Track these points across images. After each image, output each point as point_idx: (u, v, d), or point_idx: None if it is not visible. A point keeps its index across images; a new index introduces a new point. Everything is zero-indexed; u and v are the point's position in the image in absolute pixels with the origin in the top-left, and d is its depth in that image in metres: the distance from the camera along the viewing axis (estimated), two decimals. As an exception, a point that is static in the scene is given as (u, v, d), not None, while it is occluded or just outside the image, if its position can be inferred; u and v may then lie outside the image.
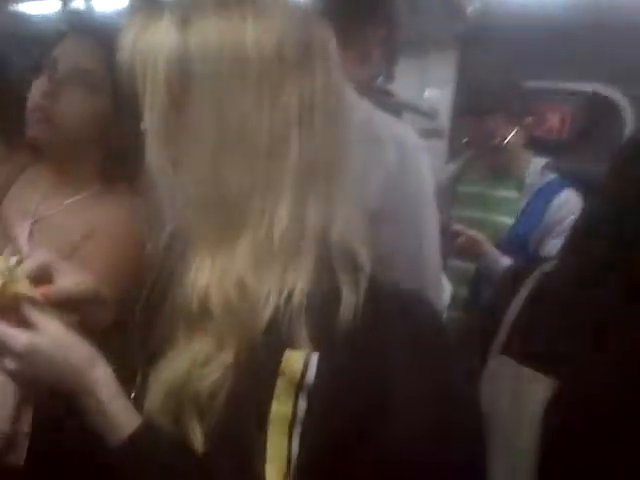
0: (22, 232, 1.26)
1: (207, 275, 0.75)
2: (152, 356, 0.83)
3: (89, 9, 2.71)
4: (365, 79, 1.56)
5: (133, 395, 0.85)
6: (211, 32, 0.73)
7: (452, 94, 2.65)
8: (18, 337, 0.79)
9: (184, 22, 0.73)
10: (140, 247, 1.19)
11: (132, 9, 2.77)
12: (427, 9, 2.31)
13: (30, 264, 0.85)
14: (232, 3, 0.74)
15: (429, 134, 2.56)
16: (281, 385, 0.71)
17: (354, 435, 0.72)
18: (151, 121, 0.76)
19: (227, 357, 0.75)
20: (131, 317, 0.93)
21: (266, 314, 0.73)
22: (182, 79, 0.73)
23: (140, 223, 1.23)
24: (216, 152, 0.73)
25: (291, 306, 0.73)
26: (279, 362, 0.71)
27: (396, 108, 2.31)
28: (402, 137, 1.46)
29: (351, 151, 0.82)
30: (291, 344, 0.71)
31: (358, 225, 0.80)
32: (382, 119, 1.46)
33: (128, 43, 0.75)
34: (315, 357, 0.71)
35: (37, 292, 0.83)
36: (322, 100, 0.75)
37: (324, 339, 0.71)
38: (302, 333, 0.71)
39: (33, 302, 0.82)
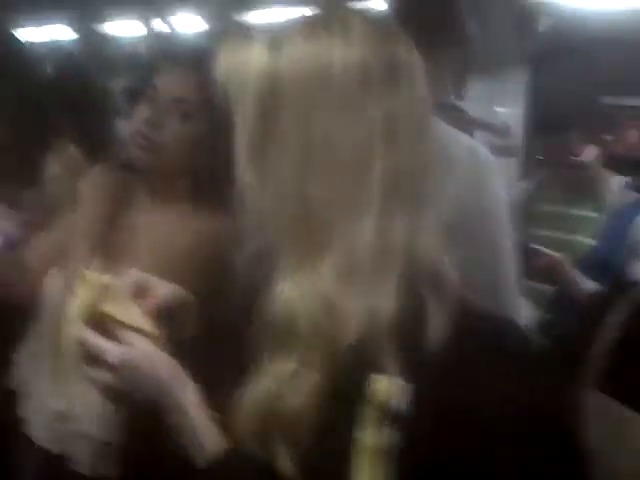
0: (113, 243, 1.34)
1: (292, 292, 0.76)
2: (240, 375, 0.84)
3: (175, 34, 2.83)
4: (436, 97, 1.57)
5: (220, 415, 0.86)
6: (299, 53, 0.76)
7: (524, 111, 2.61)
8: (114, 350, 0.83)
9: (274, 45, 0.77)
10: (227, 264, 1.23)
11: (213, 33, 2.89)
12: (499, 27, 2.29)
13: (126, 281, 0.91)
14: (319, 25, 0.77)
15: (501, 151, 2.53)
16: (368, 412, 0.71)
17: (448, 462, 0.71)
18: (241, 138, 0.79)
19: (313, 377, 0.75)
20: (216, 333, 0.96)
21: (353, 332, 0.73)
22: (271, 98, 0.76)
23: (228, 240, 1.28)
24: (301, 168, 0.75)
25: (377, 326, 0.72)
26: (365, 387, 0.71)
27: (467, 125, 2.30)
28: (474, 155, 1.46)
29: (436, 166, 0.82)
30: (377, 366, 0.71)
31: (443, 241, 0.79)
32: (455, 136, 1.46)
33: (222, 66, 0.79)
34: (402, 384, 0.70)
35: (128, 311, 0.87)
36: (406, 116, 0.76)
37: (410, 365, 0.71)
38: (388, 353, 0.71)
39: (122, 325, 0.86)
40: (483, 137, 2.52)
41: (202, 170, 1.34)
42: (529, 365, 0.79)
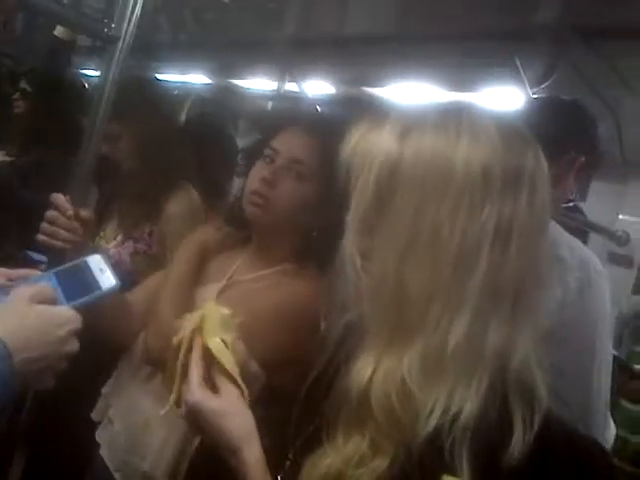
0: (210, 293, 1.38)
1: (370, 372, 0.76)
2: (307, 442, 0.85)
3: (302, 97, 2.95)
4: (556, 199, 1.56)
5: (281, 477, 0.87)
6: (426, 145, 0.78)
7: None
8: (193, 392, 0.87)
9: (404, 132, 0.79)
10: (315, 329, 1.24)
11: (339, 101, 3.00)
12: (632, 134, 2.25)
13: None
14: (451, 122, 0.78)
15: (617, 260, 2.45)
16: None
17: None
18: (355, 213, 0.82)
19: (381, 463, 0.74)
20: (291, 396, 0.96)
21: (428, 428, 0.72)
22: (390, 183, 0.78)
23: (319, 306, 1.29)
24: (404, 254, 0.76)
25: (456, 427, 0.71)
26: (434, 478, 0.70)
27: (584, 228, 2.25)
28: (586, 261, 1.43)
29: (545, 279, 0.81)
30: (449, 468, 0.70)
31: (540, 356, 0.77)
32: (568, 240, 1.45)
33: (351, 143, 0.83)
34: None
35: (229, 357, 0.90)
36: (522, 225, 0.76)
37: (485, 472, 0.69)
38: (462, 460, 0.69)
39: (222, 369, 0.89)
40: (600, 242, 2.45)
41: (309, 232, 1.37)
42: None
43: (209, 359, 0.89)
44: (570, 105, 1.66)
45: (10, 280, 0.90)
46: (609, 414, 1.52)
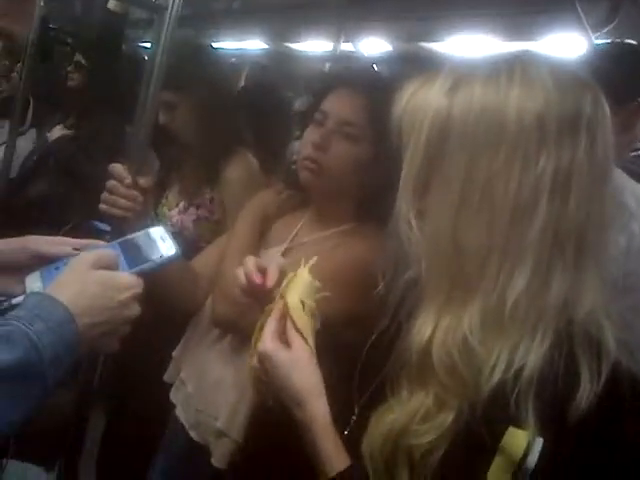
0: (275, 254, 1.41)
1: (431, 330, 0.76)
2: (372, 398, 0.86)
3: (358, 56, 2.91)
4: (623, 146, 1.50)
5: (347, 431, 0.89)
6: (475, 97, 0.76)
7: None
8: (265, 342, 0.89)
9: (453, 87, 0.78)
10: (375, 288, 1.25)
11: (394, 58, 2.95)
12: None
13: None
14: (502, 72, 0.76)
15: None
16: (499, 462, 0.70)
17: None
18: (407, 172, 0.81)
19: (446, 418, 0.74)
20: (354, 354, 0.98)
21: (491, 383, 0.72)
22: (441, 139, 0.77)
23: (379, 265, 1.29)
24: (459, 209, 0.75)
25: (520, 381, 0.71)
26: (499, 437, 0.70)
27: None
28: None
29: (609, 224, 0.79)
30: (515, 421, 0.69)
31: (606, 305, 0.75)
32: (633, 187, 1.41)
33: (402, 101, 0.82)
34: (540, 441, 0.68)
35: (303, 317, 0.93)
36: (581, 174, 0.74)
37: (552, 423, 0.69)
38: (529, 412, 0.69)
39: (294, 326, 0.92)
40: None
41: (364, 192, 1.36)
42: None
43: (286, 315, 0.93)
44: (635, 49, 1.57)
45: (77, 250, 0.93)
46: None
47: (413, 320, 0.80)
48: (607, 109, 0.77)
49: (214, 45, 3.26)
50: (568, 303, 0.74)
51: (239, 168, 1.89)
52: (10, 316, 0.75)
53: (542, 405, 0.69)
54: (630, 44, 1.60)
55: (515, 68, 0.77)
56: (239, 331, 1.35)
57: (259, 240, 1.45)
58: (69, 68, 2.77)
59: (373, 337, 0.95)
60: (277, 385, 0.88)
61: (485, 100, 0.75)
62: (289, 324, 0.91)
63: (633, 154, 1.74)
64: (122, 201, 1.36)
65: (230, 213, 1.83)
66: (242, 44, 4.20)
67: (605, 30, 1.71)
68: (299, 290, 0.95)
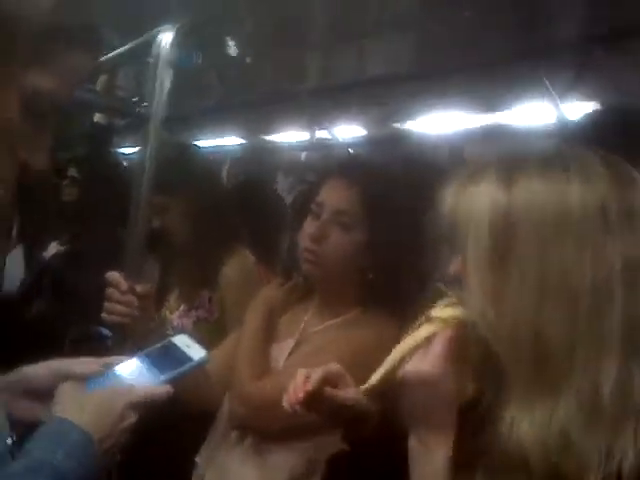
0: (285, 349, 1.42)
1: (525, 424, 0.74)
2: None
3: (336, 144, 3.00)
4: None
5: None
6: (536, 191, 0.77)
7: None
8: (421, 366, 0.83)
9: (509, 181, 0.78)
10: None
11: (373, 142, 3.04)
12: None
13: (330, 368, 0.99)
14: (556, 164, 0.78)
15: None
16: None
17: None
18: (475, 272, 0.79)
19: None
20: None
21: (591, 474, 0.70)
22: (506, 233, 0.77)
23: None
24: (537, 302, 0.75)
25: (620, 475, 0.69)
26: None
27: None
28: None
29: None
30: None
31: None
32: None
33: (451, 198, 0.82)
34: None
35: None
36: None
37: None
38: None
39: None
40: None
41: (367, 277, 1.38)
42: None
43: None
44: (624, 114, 1.60)
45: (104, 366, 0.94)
46: None
47: (498, 415, 0.77)
48: None
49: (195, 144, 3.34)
50: None
51: (237, 267, 1.90)
52: (29, 446, 0.76)
53: None
54: (619, 108, 1.63)
55: (569, 160, 0.78)
56: (257, 430, 1.35)
57: (269, 336, 1.46)
58: (65, 182, 2.81)
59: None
60: (424, 407, 0.83)
61: (546, 191, 0.76)
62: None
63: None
64: (119, 307, 1.36)
65: (230, 312, 1.84)
66: (219, 141, 4.30)
67: (570, 96, 1.79)
68: None
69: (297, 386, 0.99)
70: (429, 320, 0.85)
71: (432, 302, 0.86)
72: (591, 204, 0.74)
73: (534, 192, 0.77)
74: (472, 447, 0.80)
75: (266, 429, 1.34)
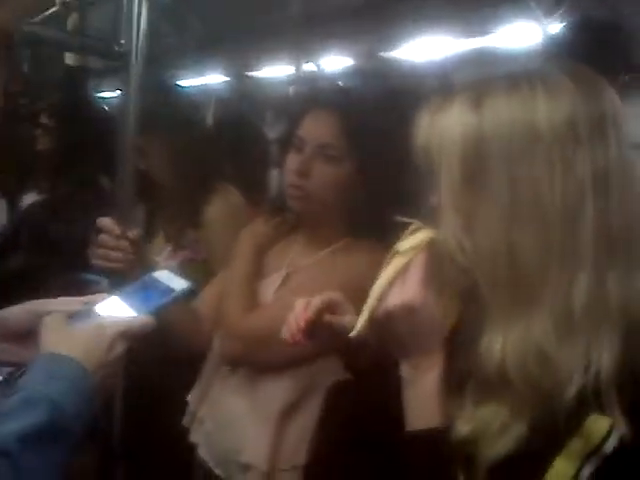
0: (272, 284, 1.42)
1: (500, 345, 0.76)
2: None
3: (322, 75, 2.94)
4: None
5: None
6: (503, 111, 0.77)
7: None
8: (418, 292, 0.83)
9: (476, 103, 0.79)
10: None
11: (359, 72, 2.98)
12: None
13: (328, 295, 0.99)
14: (523, 83, 0.78)
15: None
16: (575, 445, 0.71)
17: None
18: (447, 195, 0.81)
19: (522, 428, 0.75)
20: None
21: (571, 390, 0.72)
22: (477, 155, 0.78)
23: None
24: (510, 222, 0.76)
25: (599, 382, 0.71)
26: (579, 425, 0.71)
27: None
28: None
29: None
30: (595, 409, 0.71)
31: None
32: None
33: (424, 125, 0.82)
34: (622, 426, 0.69)
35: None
36: (616, 168, 0.75)
37: (633, 409, 0.70)
38: (613, 407, 0.70)
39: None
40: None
41: (354, 209, 1.38)
42: None
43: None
44: (599, 24, 1.59)
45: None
46: None
47: (477, 337, 0.79)
48: (621, 105, 0.79)
49: (177, 84, 3.27)
50: (627, 301, 0.75)
51: (221, 206, 1.89)
52: (23, 381, 0.77)
53: (625, 405, 0.70)
54: (596, 19, 1.62)
55: (534, 77, 0.78)
56: (248, 365, 1.37)
57: (257, 271, 1.46)
58: (37, 132, 2.74)
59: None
60: (412, 332, 0.83)
61: (513, 110, 0.76)
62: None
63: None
64: (113, 254, 1.36)
65: (216, 252, 1.83)
66: (203, 79, 4.22)
67: (555, 15, 1.75)
68: None
69: (297, 315, 0.99)
70: (398, 253, 0.85)
71: (399, 236, 0.86)
72: (558, 119, 0.75)
73: (501, 112, 0.77)
74: (459, 368, 0.81)
75: (259, 363, 1.36)
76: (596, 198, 0.74)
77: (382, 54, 2.80)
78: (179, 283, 0.97)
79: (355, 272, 1.28)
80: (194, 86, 4.18)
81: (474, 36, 2.30)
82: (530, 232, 0.75)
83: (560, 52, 1.44)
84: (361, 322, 0.85)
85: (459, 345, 0.83)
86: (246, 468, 1.34)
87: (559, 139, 0.74)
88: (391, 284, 0.83)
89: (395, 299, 0.82)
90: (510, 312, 0.77)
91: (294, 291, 1.31)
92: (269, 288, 1.42)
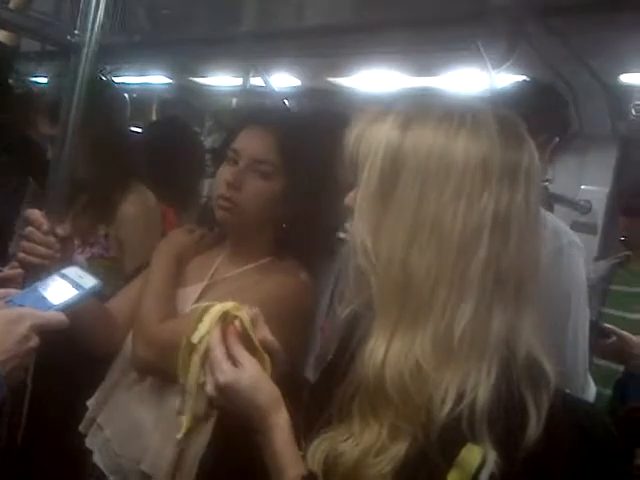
0: (192, 294, 1.40)
1: (383, 353, 0.79)
2: (319, 433, 0.86)
3: (268, 93, 2.95)
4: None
5: None
6: (427, 135, 0.82)
7: (609, 191, 2.63)
8: (225, 372, 0.87)
9: (405, 123, 0.83)
10: (304, 317, 1.27)
11: (304, 94, 3.01)
12: (591, 109, 2.34)
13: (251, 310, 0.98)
14: (454, 116, 0.83)
15: (580, 228, 2.54)
16: (455, 475, 0.73)
17: None
18: (362, 202, 0.85)
19: (401, 449, 0.77)
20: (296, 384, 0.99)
21: (443, 411, 0.75)
22: (393, 170, 0.82)
23: (305, 295, 1.32)
24: (410, 240, 0.80)
25: (473, 410, 0.75)
26: (454, 455, 0.73)
27: (549, 199, 2.33)
28: (558, 232, 1.49)
29: (542, 263, 0.85)
30: (470, 439, 0.74)
31: (543, 339, 0.82)
32: (542, 213, 1.51)
33: (355, 133, 0.87)
34: (494, 455, 0.72)
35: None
36: (519, 212, 0.81)
37: (505, 449, 0.73)
38: (484, 438, 0.73)
39: (248, 340, 0.91)
40: (563, 212, 2.54)
41: (281, 227, 1.40)
42: (607, 450, 0.80)
43: (232, 336, 0.91)
44: (543, 88, 1.72)
45: None
46: (589, 376, 1.60)
47: (364, 347, 0.82)
48: (539, 161, 0.85)
49: (114, 80, 3.20)
50: (509, 338, 0.79)
51: (136, 205, 1.87)
52: None
53: (494, 433, 0.73)
54: (544, 84, 1.76)
55: (466, 114, 0.83)
56: (158, 372, 1.33)
57: (176, 280, 1.44)
58: None
59: (322, 368, 0.99)
60: (242, 409, 0.88)
61: (435, 138, 0.81)
62: (237, 344, 0.90)
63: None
64: (40, 249, 1.31)
65: (129, 251, 1.82)
66: (145, 79, 4.14)
67: (504, 66, 1.86)
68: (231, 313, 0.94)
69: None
70: (193, 346, 0.91)
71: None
72: (474, 156, 0.80)
73: (424, 139, 0.82)
74: (351, 378, 0.83)
75: (171, 373, 1.33)
76: (493, 238, 0.79)
77: (329, 79, 2.85)
78: (88, 280, 0.99)
79: (273, 294, 1.29)
80: (135, 84, 4.10)
81: (422, 75, 2.38)
82: (426, 254, 0.79)
83: (503, 104, 1.53)
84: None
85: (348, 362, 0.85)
86: (144, 477, 1.31)
87: (470, 175, 0.79)
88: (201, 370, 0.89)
89: (210, 387, 0.88)
90: (397, 324, 0.80)
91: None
92: (188, 298, 1.40)
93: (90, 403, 1.48)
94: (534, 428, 0.73)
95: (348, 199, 0.88)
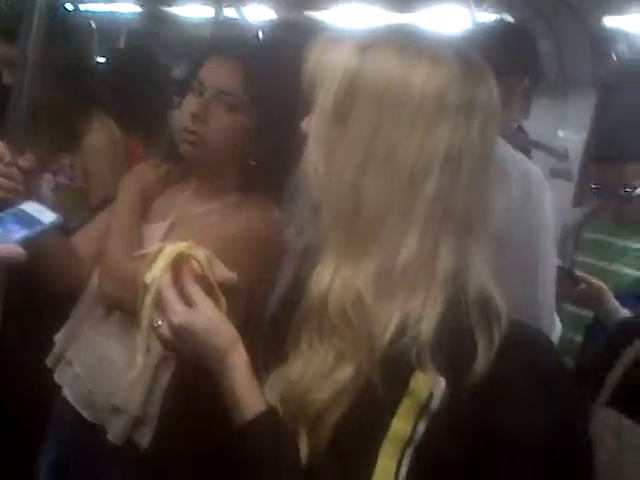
0: (158, 230, 1.37)
1: (327, 281, 0.79)
2: (277, 359, 0.86)
3: (241, 24, 2.86)
4: (505, 121, 1.59)
5: None
6: (385, 66, 0.79)
7: (586, 138, 2.61)
8: (178, 313, 0.85)
9: (364, 48, 0.81)
10: (275, 253, 1.25)
11: (278, 26, 2.92)
12: (573, 51, 2.30)
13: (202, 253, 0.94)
14: (412, 44, 0.81)
15: (557, 174, 2.54)
16: (407, 404, 0.74)
17: (465, 465, 0.74)
18: (316, 125, 0.83)
19: (345, 373, 0.78)
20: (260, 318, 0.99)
21: (386, 337, 0.76)
22: (350, 95, 0.80)
23: (276, 231, 1.29)
24: (362, 166, 0.79)
25: (418, 341, 0.75)
26: (405, 382, 0.74)
27: (526, 145, 2.31)
28: (528, 173, 1.49)
29: (493, 200, 0.84)
30: (418, 366, 0.74)
31: (493, 272, 0.81)
32: (512, 154, 1.50)
33: (313, 57, 0.84)
34: (443, 383, 0.73)
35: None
36: (473, 148, 0.79)
37: (452, 375, 0.74)
38: (429, 365, 0.74)
39: (204, 279, 0.88)
40: (541, 157, 2.53)
41: (248, 163, 1.35)
42: (560, 381, 0.81)
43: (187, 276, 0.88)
44: (513, 28, 1.69)
45: None
46: (556, 315, 1.62)
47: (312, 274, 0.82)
48: (498, 97, 0.83)
49: (80, 6, 3.07)
50: (459, 274, 0.79)
51: (102, 134, 1.84)
52: None
53: (441, 360, 0.74)
54: (508, 23, 1.71)
55: (423, 43, 0.81)
56: (126, 308, 1.29)
57: (142, 216, 1.40)
58: None
59: (277, 304, 0.97)
60: (198, 350, 0.86)
61: (393, 66, 0.79)
62: (192, 284, 0.87)
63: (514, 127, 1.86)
64: (2, 181, 1.25)
65: (94, 181, 1.80)
66: (113, 6, 3.99)
67: (485, 5, 1.81)
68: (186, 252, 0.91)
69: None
70: (145, 286, 0.87)
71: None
72: (431, 88, 0.78)
73: (383, 66, 0.80)
74: (298, 312, 0.83)
75: (135, 306, 1.31)
76: (444, 170, 0.78)
77: (305, 13, 2.76)
78: (48, 216, 0.96)
79: (241, 230, 1.27)
80: (102, 12, 3.94)
81: (401, 12, 2.31)
82: (377, 183, 0.78)
83: (473, 42, 1.50)
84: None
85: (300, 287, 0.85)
86: (116, 410, 1.30)
87: (426, 107, 0.78)
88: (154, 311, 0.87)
89: (164, 329, 0.86)
90: (343, 251, 0.80)
91: (179, 240, 1.28)
92: (155, 234, 1.36)
93: (57, 338, 1.46)
94: (483, 360, 0.73)
95: (304, 123, 0.86)
